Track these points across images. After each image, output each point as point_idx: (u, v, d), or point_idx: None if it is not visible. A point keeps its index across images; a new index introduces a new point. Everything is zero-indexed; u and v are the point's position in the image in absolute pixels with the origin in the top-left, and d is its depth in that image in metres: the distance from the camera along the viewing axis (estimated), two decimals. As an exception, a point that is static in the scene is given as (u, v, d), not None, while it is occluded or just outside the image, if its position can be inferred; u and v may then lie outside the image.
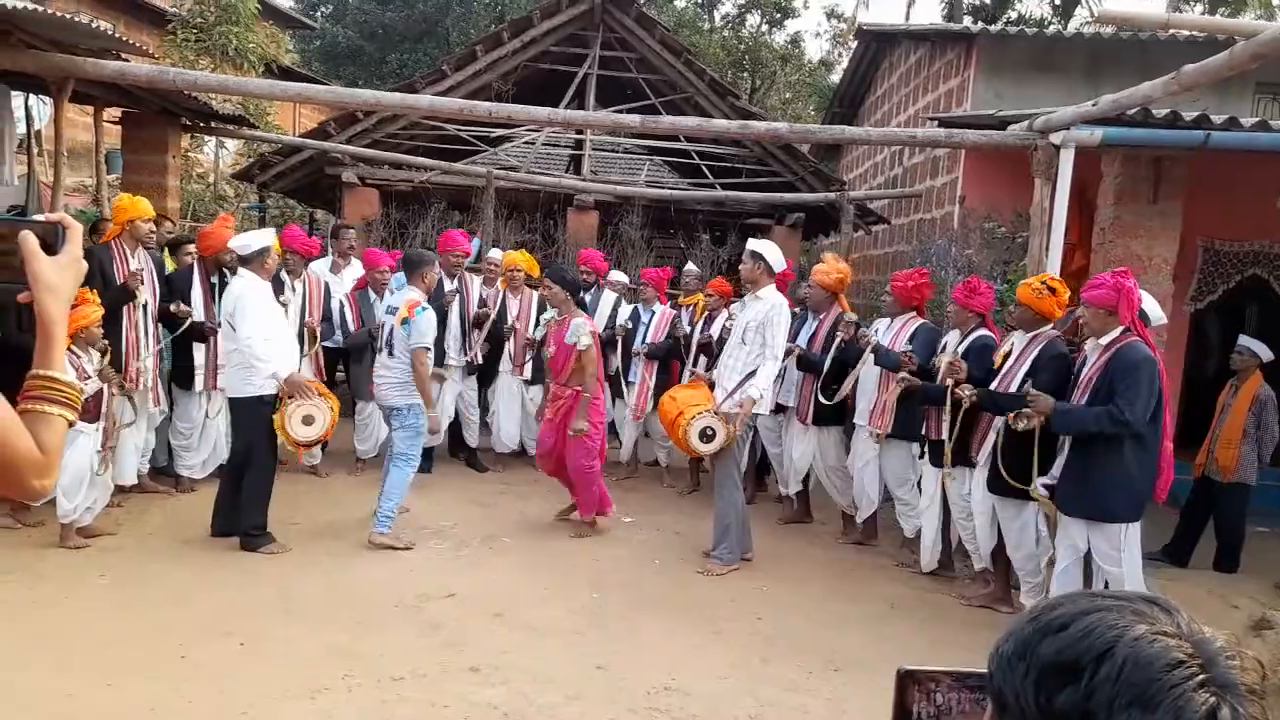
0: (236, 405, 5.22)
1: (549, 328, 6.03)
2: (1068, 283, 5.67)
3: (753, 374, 5.26)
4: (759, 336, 5.27)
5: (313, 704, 3.48)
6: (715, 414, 5.32)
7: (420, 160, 10.10)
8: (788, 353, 6.07)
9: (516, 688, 3.72)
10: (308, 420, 5.16)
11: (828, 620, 4.76)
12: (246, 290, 5.10)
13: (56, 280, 1.38)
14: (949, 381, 4.96)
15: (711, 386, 5.66)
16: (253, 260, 5.17)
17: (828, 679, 4.04)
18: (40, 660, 3.68)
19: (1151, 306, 4.54)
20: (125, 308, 5.50)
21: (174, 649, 3.84)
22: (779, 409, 6.35)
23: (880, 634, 4.62)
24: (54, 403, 1.37)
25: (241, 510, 5.17)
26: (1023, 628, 0.80)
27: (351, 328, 6.88)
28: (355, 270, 7.47)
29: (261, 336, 5.03)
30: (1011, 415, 4.55)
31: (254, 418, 5.14)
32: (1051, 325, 4.91)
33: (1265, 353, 6.15)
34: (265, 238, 5.29)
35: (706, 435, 5.30)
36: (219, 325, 5.75)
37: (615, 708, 3.63)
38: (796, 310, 6.45)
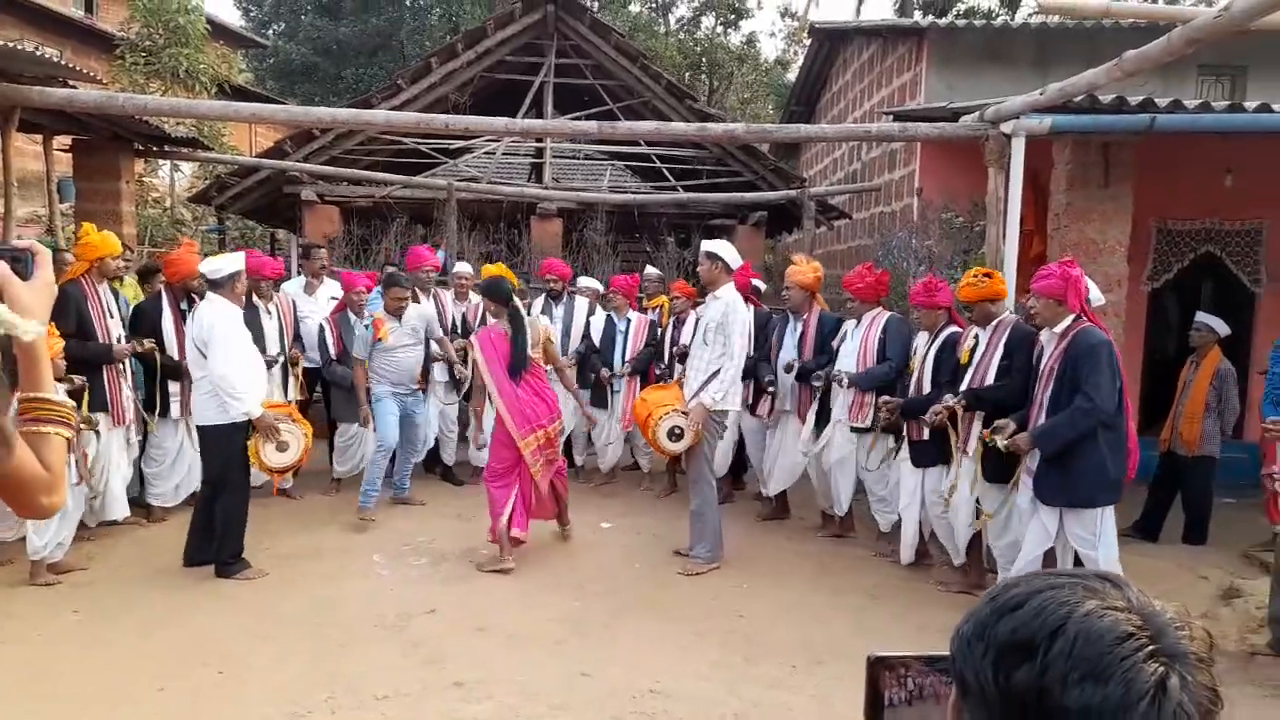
0: (207, 432, 5.11)
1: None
2: (1026, 270, 5.80)
3: (714, 375, 5.29)
4: (719, 336, 5.31)
5: (296, 729, 3.46)
6: (683, 413, 5.36)
7: (380, 175, 10.04)
8: (786, 368, 6.13)
9: (501, 701, 3.71)
10: (281, 447, 5.14)
11: (809, 614, 4.80)
12: (218, 318, 4.98)
13: (31, 304, 1.42)
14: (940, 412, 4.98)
15: (682, 387, 5.70)
16: (224, 284, 5.07)
17: (811, 673, 4.07)
18: (17, 698, 3.62)
19: (1090, 288, 4.65)
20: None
21: (151, 681, 3.79)
22: (770, 412, 6.40)
23: (862, 625, 4.66)
24: (49, 422, 1.43)
25: (217, 538, 5.10)
26: (981, 609, 0.83)
27: (332, 350, 6.80)
28: (329, 289, 7.41)
29: (234, 368, 4.95)
30: (987, 433, 4.67)
31: (226, 444, 5.06)
32: (1009, 311, 5.08)
33: (1222, 328, 6.29)
34: (235, 261, 5.18)
35: (674, 434, 5.34)
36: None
37: (600, 715, 3.63)
38: (776, 313, 6.51)
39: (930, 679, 0.97)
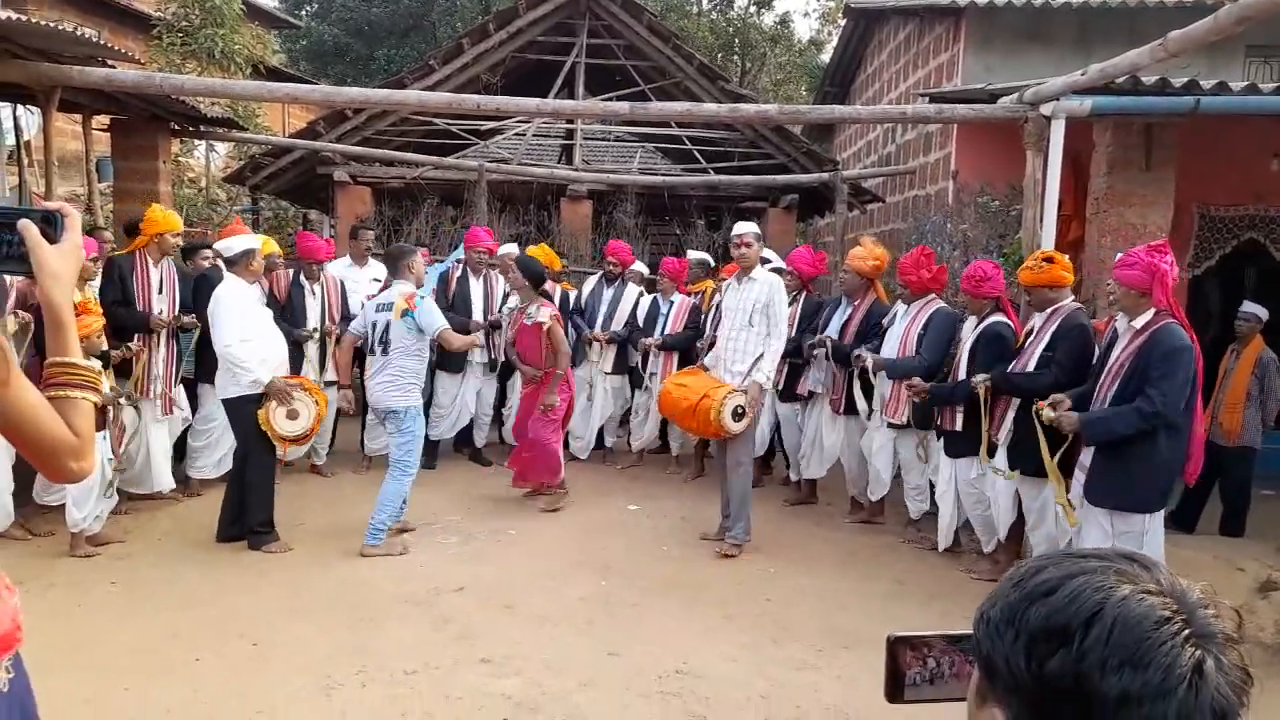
0: (229, 405, 5.24)
1: (514, 316, 6.30)
2: (1064, 254, 5.66)
3: (760, 358, 5.26)
4: (764, 317, 5.26)
5: (327, 701, 3.51)
6: (744, 393, 5.24)
7: (411, 156, 10.07)
8: (818, 344, 6.08)
9: (529, 677, 3.75)
10: (292, 415, 5.19)
11: (837, 600, 4.79)
12: (226, 294, 5.11)
13: (60, 267, 1.43)
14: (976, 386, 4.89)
15: (705, 371, 5.64)
16: (238, 262, 5.18)
17: (838, 657, 4.06)
18: (55, 667, 3.70)
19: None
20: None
21: (187, 652, 3.87)
22: (809, 395, 6.38)
23: (889, 611, 4.64)
24: (76, 386, 1.43)
25: (245, 509, 5.21)
26: (1008, 593, 0.81)
27: None
28: (373, 270, 7.48)
29: (238, 341, 5.04)
30: (1042, 404, 4.34)
31: (245, 416, 5.17)
32: (1072, 298, 4.85)
33: (1264, 313, 6.17)
34: (248, 241, 5.29)
35: (738, 414, 5.23)
36: None
37: (627, 694, 3.65)
38: (825, 297, 6.48)
39: (953, 657, 0.96)
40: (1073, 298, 4.88)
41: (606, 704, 3.57)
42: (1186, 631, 0.73)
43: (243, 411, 5.16)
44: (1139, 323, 4.11)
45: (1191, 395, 4.07)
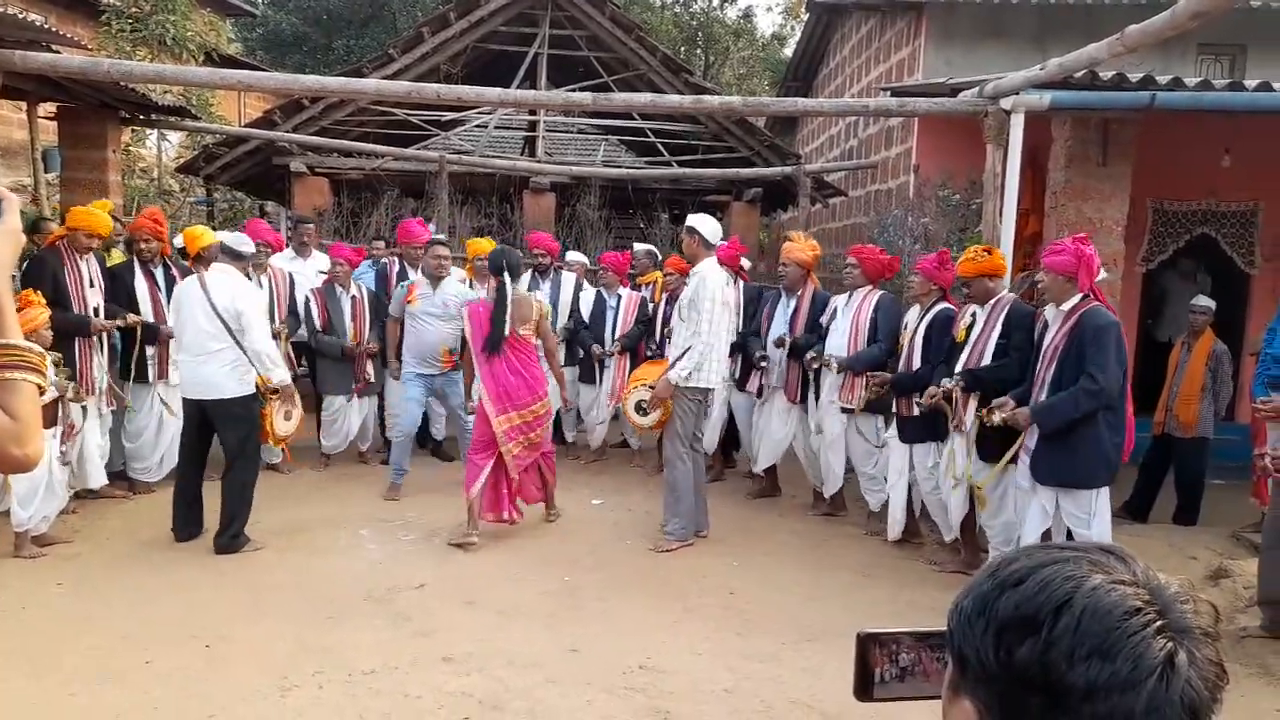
0: (225, 405, 4.98)
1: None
2: (1022, 248, 5.74)
3: (686, 352, 5.21)
4: (692, 313, 5.20)
5: (283, 702, 3.43)
6: (651, 388, 5.29)
7: (370, 147, 9.91)
8: (778, 342, 6.07)
9: (490, 674, 3.70)
10: (288, 415, 5.26)
11: (800, 592, 4.79)
12: (249, 290, 5.10)
13: None
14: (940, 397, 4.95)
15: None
16: (246, 259, 5.20)
17: (802, 649, 4.07)
18: (1, 671, 3.59)
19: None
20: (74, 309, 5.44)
21: (138, 654, 3.76)
22: (760, 389, 6.36)
23: (853, 602, 4.66)
24: (16, 368, 1.35)
25: (231, 512, 5.03)
26: (981, 584, 0.80)
27: (317, 322, 6.76)
28: (317, 263, 7.34)
29: (269, 337, 5.09)
30: (984, 412, 4.60)
31: (247, 414, 5.07)
32: (1008, 289, 5.03)
33: (1212, 303, 6.32)
34: (251, 242, 5.40)
35: (640, 408, 5.27)
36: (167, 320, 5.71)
37: (591, 689, 3.62)
38: (767, 289, 6.45)
39: (922, 654, 0.94)
40: (1006, 288, 5.09)
41: (570, 700, 3.53)
42: (1159, 623, 0.71)
43: (243, 411, 5.04)
44: (1066, 307, 4.36)
45: (1123, 373, 4.28)
